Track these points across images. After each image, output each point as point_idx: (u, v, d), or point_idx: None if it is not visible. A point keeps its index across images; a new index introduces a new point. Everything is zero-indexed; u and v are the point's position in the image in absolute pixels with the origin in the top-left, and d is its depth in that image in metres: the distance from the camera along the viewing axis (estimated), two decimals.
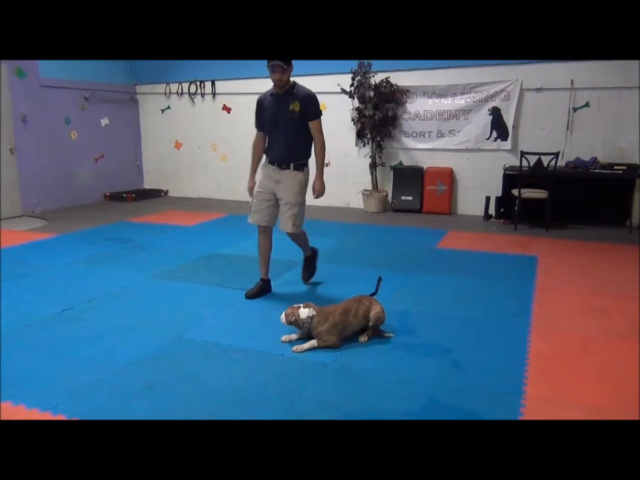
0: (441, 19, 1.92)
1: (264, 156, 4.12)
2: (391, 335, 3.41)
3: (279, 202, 4.03)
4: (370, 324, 3.33)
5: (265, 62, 3.73)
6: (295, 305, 3.29)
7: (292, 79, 3.87)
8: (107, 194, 9.26)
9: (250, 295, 4.11)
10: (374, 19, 1.94)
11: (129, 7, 1.86)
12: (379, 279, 3.52)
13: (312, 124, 3.94)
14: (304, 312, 3.22)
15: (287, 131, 3.89)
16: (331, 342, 3.21)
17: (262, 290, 4.19)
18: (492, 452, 1.47)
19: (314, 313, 3.22)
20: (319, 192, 4.04)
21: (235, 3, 1.90)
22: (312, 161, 4.05)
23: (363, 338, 3.32)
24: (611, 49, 1.92)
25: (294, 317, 3.22)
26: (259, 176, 4.11)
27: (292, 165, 3.94)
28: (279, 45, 2.03)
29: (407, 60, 7.48)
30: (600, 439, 1.53)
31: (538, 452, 1.47)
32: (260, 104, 4.01)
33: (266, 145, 4.07)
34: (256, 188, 4.06)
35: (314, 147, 4.03)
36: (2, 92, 7.47)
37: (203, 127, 9.51)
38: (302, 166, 4.00)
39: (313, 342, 3.21)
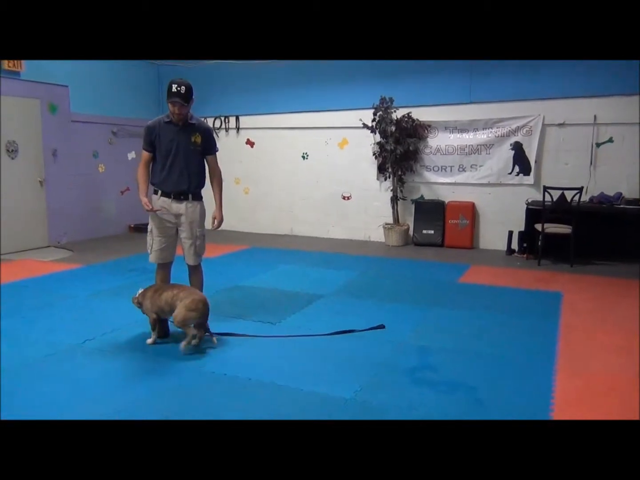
0: (441, 19, 1.94)
1: (153, 188, 3.97)
2: (215, 342, 3.76)
3: (180, 235, 4.02)
4: (174, 320, 3.66)
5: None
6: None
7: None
8: (132, 226, 9.41)
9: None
10: (374, 19, 1.98)
11: (129, 7, 1.93)
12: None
13: (211, 158, 4.04)
14: (139, 291, 3.91)
15: (188, 162, 3.88)
16: (146, 307, 3.81)
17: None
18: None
19: (141, 290, 3.90)
20: (220, 222, 4.10)
21: (235, 4, 1.96)
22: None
23: (182, 343, 3.64)
24: (611, 49, 1.92)
25: (136, 300, 3.89)
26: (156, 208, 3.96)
27: (190, 196, 3.94)
28: (282, 44, 2.07)
29: (406, 60, 7.49)
30: (600, 439, 1.51)
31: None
32: (152, 130, 3.85)
33: (156, 174, 3.92)
34: (155, 225, 3.96)
35: (214, 179, 4.07)
36: (35, 126, 7.73)
37: (226, 161, 9.59)
38: (200, 196, 4.03)
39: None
